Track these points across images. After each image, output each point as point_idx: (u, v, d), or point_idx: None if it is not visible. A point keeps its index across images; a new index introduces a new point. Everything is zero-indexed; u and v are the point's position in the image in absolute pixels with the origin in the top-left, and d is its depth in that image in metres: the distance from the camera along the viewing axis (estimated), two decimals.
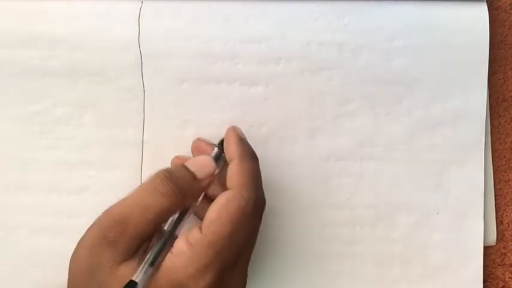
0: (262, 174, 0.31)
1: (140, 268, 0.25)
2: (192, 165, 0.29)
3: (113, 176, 0.34)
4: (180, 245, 0.26)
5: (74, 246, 0.27)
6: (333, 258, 0.33)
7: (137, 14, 0.34)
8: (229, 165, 0.29)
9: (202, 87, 0.34)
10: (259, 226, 0.29)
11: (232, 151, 0.29)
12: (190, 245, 0.26)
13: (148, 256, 0.26)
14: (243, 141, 0.30)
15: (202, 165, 0.29)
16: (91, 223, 0.27)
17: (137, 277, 0.25)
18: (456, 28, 0.34)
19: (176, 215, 0.28)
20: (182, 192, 0.27)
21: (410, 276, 0.33)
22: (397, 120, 0.34)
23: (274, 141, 0.34)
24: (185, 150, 0.33)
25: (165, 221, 0.28)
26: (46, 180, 0.34)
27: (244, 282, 0.29)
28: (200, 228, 0.27)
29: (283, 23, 0.34)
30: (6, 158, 0.34)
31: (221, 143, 0.30)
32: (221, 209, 0.27)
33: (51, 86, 0.34)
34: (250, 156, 0.29)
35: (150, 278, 0.25)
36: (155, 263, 0.26)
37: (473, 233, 0.34)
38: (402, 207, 0.34)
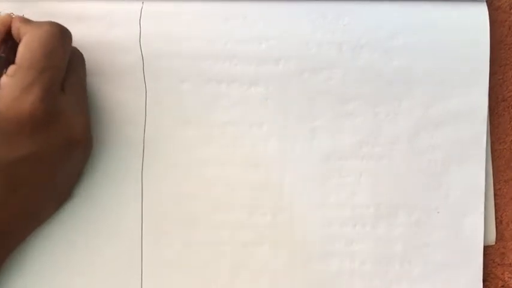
0: (262, 174, 0.31)
1: None
2: None
3: (113, 176, 0.34)
4: (1, 81, 0.27)
5: None
6: (333, 257, 0.33)
7: (138, 14, 0.34)
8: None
9: (202, 87, 0.34)
10: (70, 47, 0.30)
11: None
12: (10, 76, 0.27)
13: None
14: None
15: None
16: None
17: None
18: (456, 28, 0.34)
19: None
20: None
21: (410, 275, 0.33)
22: (397, 120, 0.34)
23: (274, 141, 0.34)
24: (186, 150, 0.33)
25: None
26: None
27: (80, 101, 0.30)
28: (15, 63, 0.27)
29: (283, 23, 0.34)
30: None
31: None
32: (28, 40, 0.27)
33: None
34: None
35: None
36: None
37: (474, 232, 0.34)
38: (402, 207, 0.34)
